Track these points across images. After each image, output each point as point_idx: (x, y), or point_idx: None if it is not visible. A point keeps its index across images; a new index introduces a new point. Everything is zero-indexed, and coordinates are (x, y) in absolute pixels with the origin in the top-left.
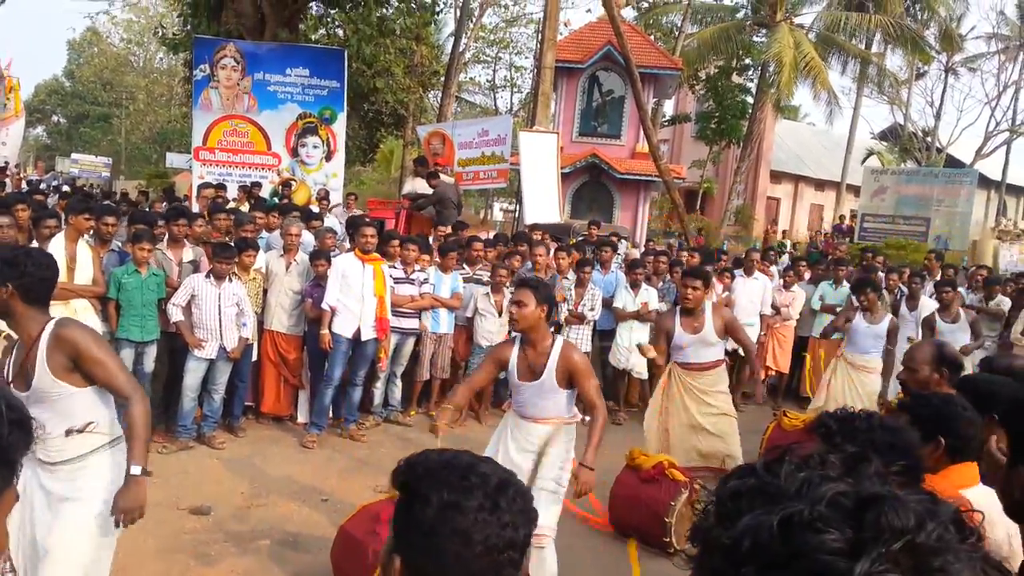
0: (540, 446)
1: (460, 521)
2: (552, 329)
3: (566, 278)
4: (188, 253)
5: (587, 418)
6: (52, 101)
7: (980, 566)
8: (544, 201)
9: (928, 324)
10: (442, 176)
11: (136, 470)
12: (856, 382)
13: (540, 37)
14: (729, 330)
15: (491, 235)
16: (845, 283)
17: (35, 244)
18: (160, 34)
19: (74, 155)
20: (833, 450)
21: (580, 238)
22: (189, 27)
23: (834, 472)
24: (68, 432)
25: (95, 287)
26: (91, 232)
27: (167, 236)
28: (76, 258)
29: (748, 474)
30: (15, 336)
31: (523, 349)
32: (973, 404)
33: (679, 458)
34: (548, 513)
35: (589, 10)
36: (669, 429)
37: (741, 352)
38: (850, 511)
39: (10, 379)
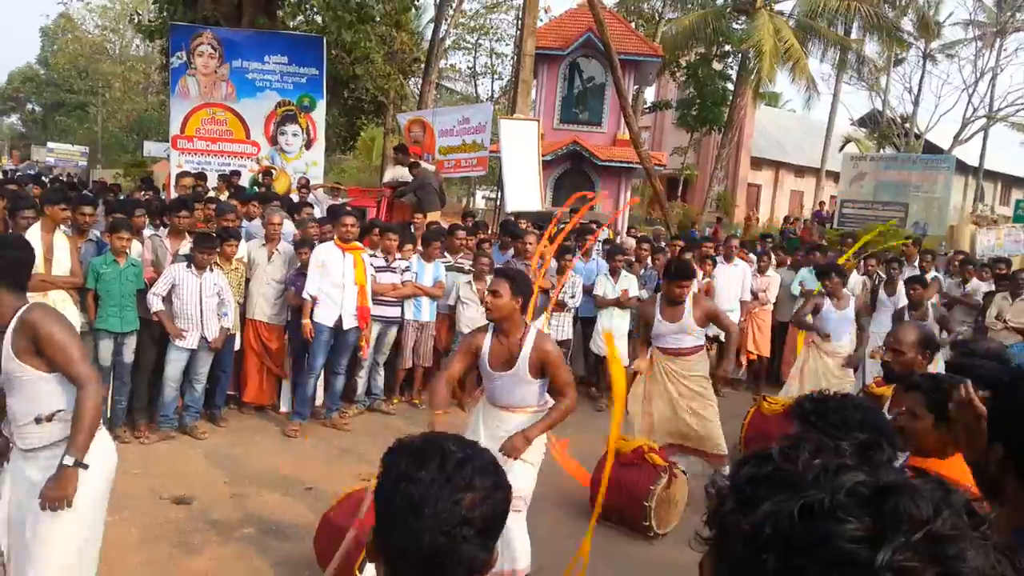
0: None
1: (409, 491)
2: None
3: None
4: (187, 245)
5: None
6: (26, 89)
7: (992, 553)
8: (525, 189)
9: (898, 318)
10: (422, 164)
11: (69, 460)
12: (827, 368)
13: (520, 24)
14: (711, 318)
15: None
16: None
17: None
18: (136, 21)
19: (50, 144)
20: (810, 430)
21: (562, 226)
22: (165, 14)
23: (849, 459)
24: (37, 419)
25: (73, 278)
26: (68, 222)
27: (169, 227)
28: (53, 248)
29: (765, 460)
30: None
31: (496, 338)
32: None
33: (661, 439)
34: (520, 477)
35: None
36: (652, 412)
37: (722, 339)
38: (869, 499)
39: None
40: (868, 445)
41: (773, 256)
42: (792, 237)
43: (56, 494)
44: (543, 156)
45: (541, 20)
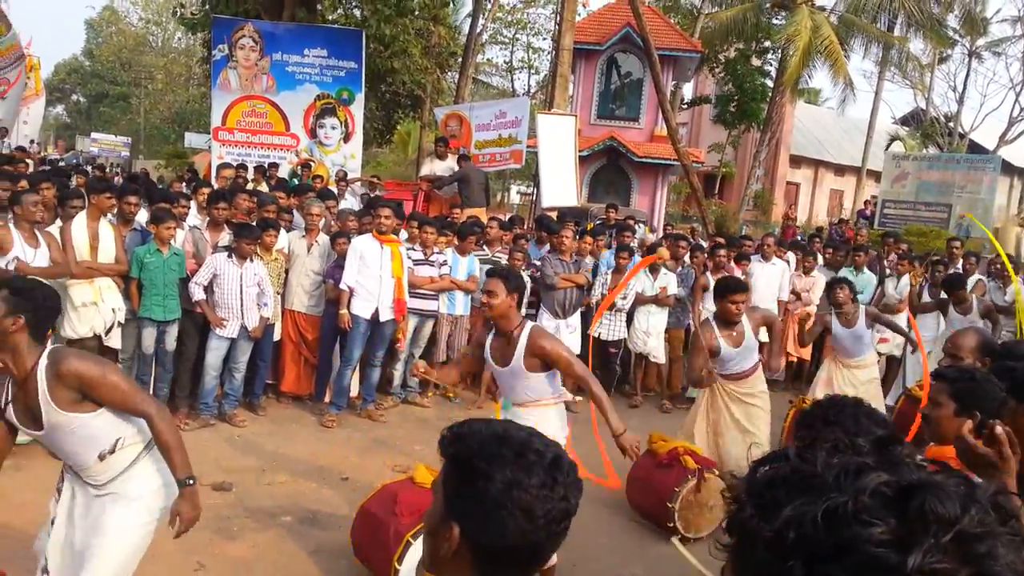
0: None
1: (524, 498)
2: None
3: (585, 261)
4: (226, 237)
5: (578, 398)
6: (71, 80)
7: (1022, 548)
8: (561, 184)
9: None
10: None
11: (190, 481)
12: (854, 377)
13: (559, 18)
14: (765, 324)
15: (507, 217)
16: (866, 269)
17: (60, 223)
18: (179, 14)
19: (94, 134)
20: (813, 432)
21: (598, 222)
22: (207, 7)
23: (867, 457)
24: (101, 456)
25: (118, 266)
26: (113, 211)
27: (208, 219)
28: (99, 237)
29: (781, 461)
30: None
31: (496, 336)
32: (1010, 391)
33: (730, 466)
34: None
35: None
36: (720, 443)
37: (760, 339)
38: (893, 500)
39: (14, 419)
40: (885, 441)
41: (820, 256)
42: (836, 238)
43: (192, 513)
44: (579, 151)
45: (579, 15)
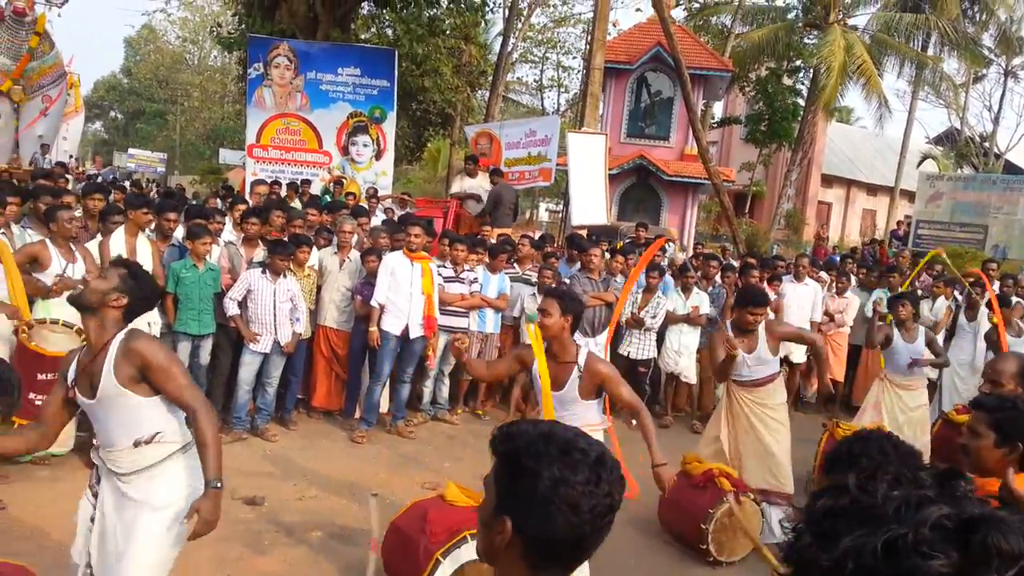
0: None
1: (570, 494)
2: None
3: (615, 280)
4: (260, 253)
5: (633, 421)
6: (110, 97)
7: None
8: (591, 203)
9: (990, 339)
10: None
11: (217, 484)
12: (902, 402)
13: (589, 38)
14: (791, 340)
15: (537, 235)
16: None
17: (99, 237)
18: (216, 33)
19: (131, 150)
20: (851, 468)
21: (627, 240)
22: (244, 26)
23: (928, 490)
24: (136, 443)
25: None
26: (152, 226)
27: (243, 235)
28: (136, 252)
29: (842, 492)
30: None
31: (547, 357)
32: None
33: (753, 482)
34: None
35: (639, 9)
36: (742, 454)
37: (793, 360)
38: (955, 533)
39: (73, 383)
40: (948, 475)
41: (853, 277)
42: (874, 258)
43: (211, 517)
44: (609, 170)
45: (609, 34)
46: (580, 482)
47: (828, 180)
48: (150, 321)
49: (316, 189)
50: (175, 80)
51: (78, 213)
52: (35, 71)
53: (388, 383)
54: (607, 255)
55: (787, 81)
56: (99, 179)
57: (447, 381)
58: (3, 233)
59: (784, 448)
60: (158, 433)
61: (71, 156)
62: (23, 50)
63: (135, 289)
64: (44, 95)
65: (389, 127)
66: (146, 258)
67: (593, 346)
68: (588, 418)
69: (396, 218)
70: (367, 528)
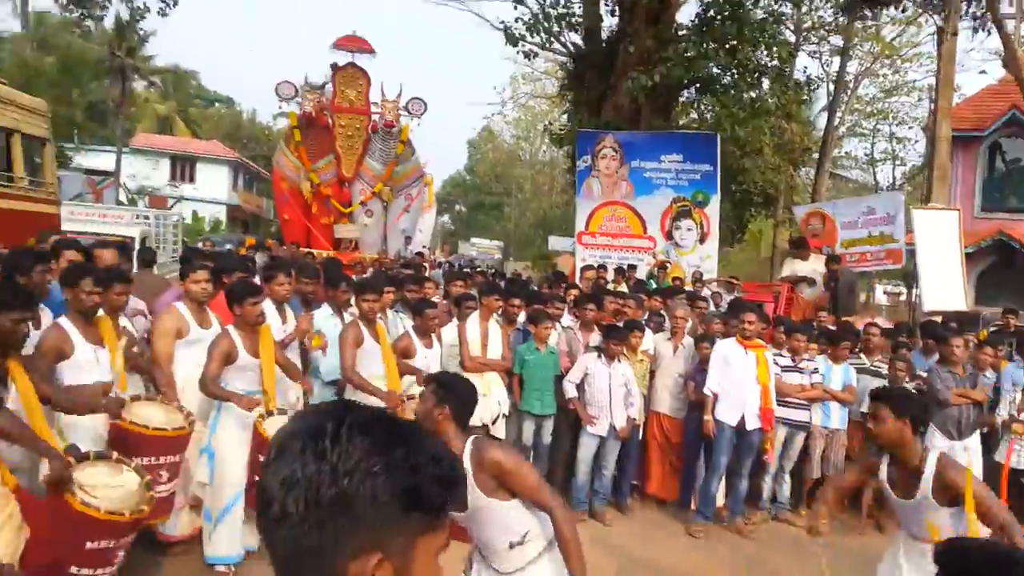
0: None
1: None
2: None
3: (985, 376)
4: (595, 338)
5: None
6: (455, 192)
7: None
8: (945, 286)
9: None
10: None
11: None
12: None
13: (933, 107)
14: None
15: (884, 322)
16: None
17: (456, 321)
18: (548, 130)
19: (472, 239)
20: None
21: (993, 329)
22: (572, 122)
23: None
24: (511, 545)
25: (504, 362)
26: (500, 311)
27: (580, 320)
28: (488, 335)
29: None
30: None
31: (891, 464)
32: None
33: None
34: None
35: (983, 72)
36: None
37: None
38: None
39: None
40: None
41: None
42: None
43: None
44: (964, 249)
45: (954, 100)
46: None
47: None
48: (500, 400)
49: (641, 273)
50: (509, 174)
51: (435, 299)
52: (400, 174)
53: (725, 476)
54: (971, 346)
55: None
56: (454, 267)
57: (788, 479)
58: (380, 318)
59: None
60: (527, 532)
61: (424, 247)
62: (391, 156)
63: (448, 397)
64: (406, 193)
65: (712, 210)
66: (497, 340)
67: (961, 451)
68: (946, 529)
69: (724, 303)
70: None
